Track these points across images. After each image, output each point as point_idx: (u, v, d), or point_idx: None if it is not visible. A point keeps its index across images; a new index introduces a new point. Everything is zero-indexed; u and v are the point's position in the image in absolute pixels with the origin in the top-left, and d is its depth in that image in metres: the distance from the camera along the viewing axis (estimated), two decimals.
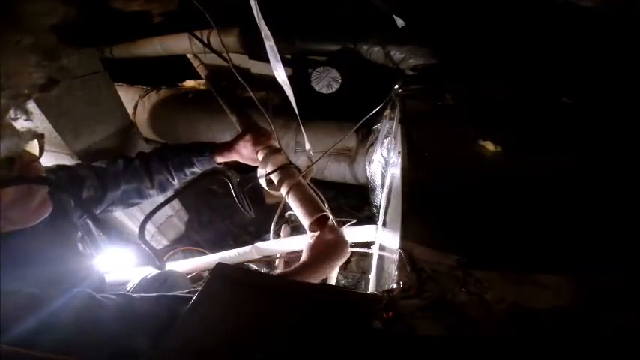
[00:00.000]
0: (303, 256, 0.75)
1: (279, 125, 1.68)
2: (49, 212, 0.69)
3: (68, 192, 0.82)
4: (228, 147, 1.01)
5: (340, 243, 0.77)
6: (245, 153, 1.00)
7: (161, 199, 1.10)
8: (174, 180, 1.03)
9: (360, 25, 1.58)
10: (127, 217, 1.57)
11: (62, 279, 0.70)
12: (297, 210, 0.82)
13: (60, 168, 0.89)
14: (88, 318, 0.51)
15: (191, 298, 0.49)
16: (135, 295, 0.60)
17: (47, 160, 1.37)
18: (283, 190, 0.87)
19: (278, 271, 1.11)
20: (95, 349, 0.48)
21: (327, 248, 0.75)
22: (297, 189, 0.84)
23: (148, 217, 0.73)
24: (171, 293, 0.61)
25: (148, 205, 1.18)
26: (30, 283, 0.54)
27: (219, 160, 1.02)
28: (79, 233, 0.84)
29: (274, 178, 0.91)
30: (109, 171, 0.97)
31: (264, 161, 0.93)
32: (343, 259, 0.76)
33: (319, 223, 0.81)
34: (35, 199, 0.65)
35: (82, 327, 0.49)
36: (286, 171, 0.90)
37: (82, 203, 0.83)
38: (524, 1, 1.15)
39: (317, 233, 0.79)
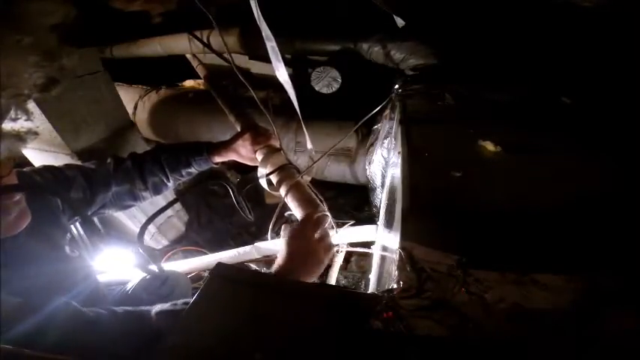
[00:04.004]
0: (278, 258, 0.67)
1: (278, 125, 1.68)
2: (29, 221, 0.67)
3: (55, 194, 0.80)
4: (225, 146, 0.99)
5: (319, 247, 0.68)
6: (243, 152, 0.99)
7: (160, 199, 1.10)
8: (169, 181, 1.00)
9: (360, 25, 1.58)
10: (128, 218, 1.57)
11: (49, 283, 0.68)
12: (295, 210, 0.82)
13: (46, 169, 0.86)
14: (71, 332, 0.50)
15: (181, 311, 0.48)
16: (119, 309, 0.58)
17: (47, 160, 1.38)
18: (282, 190, 0.87)
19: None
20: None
21: (304, 250, 0.67)
22: (296, 189, 0.84)
23: (148, 221, 0.72)
24: (157, 307, 0.59)
25: (148, 205, 1.18)
26: (12, 290, 0.53)
27: (217, 159, 1.00)
28: (69, 235, 0.82)
29: (273, 178, 0.91)
30: (98, 172, 0.93)
31: (264, 161, 0.93)
32: (322, 265, 0.68)
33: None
34: (12, 213, 0.63)
35: (63, 339, 0.48)
36: (285, 171, 0.90)
37: (70, 204, 0.81)
38: (524, 1, 1.15)
39: (295, 226, 0.71)
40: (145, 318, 0.57)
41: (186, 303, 0.55)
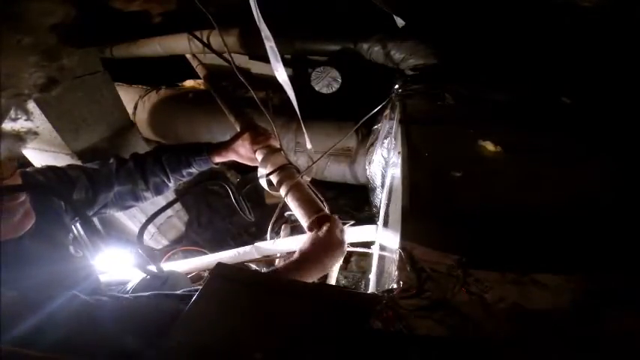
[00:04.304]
0: (295, 254, 0.71)
1: (278, 125, 1.68)
2: (33, 222, 0.67)
3: (57, 194, 0.80)
4: (225, 146, 1.00)
5: (334, 243, 0.72)
6: (243, 152, 0.99)
7: (161, 199, 1.10)
8: (170, 181, 1.01)
9: (360, 25, 1.58)
10: (128, 218, 1.57)
11: (52, 282, 0.69)
12: (295, 210, 0.82)
13: (49, 169, 0.86)
14: (78, 321, 0.51)
15: (191, 296, 0.49)
16: (127, 296, 0.59)
17: (47, 161, 1.38)
18: (282, 191, 0.87)
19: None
20: (87, 352, 0.47)
21: (319, 247, 0.71)
22: (296, 189, 0.84)
23: (148, 221, 0.72)
24: (169, 292, 0.60)
25: (148, 205, 1.18)
26: (16, 288, 0.53)
27: (217, 160, 1.00)
28: (71, 235, 0.82)
29: (273, 178, 0.91)
30: (101, 172, 0.94)
31: (264, 161, 0.93)
32: (336, 260, 0.72)
33: (318, 223, 0.80)
34: (16, 215, 0.63)
35: (71, 331, 0.48)
36: (285, 171, 0.90)
37: (72, 205, 0.82)
38: (524, 1, 1.15)
39: (314, 231, 0.76)
40: (155, 302, 0.57)
41: (193, 291, 0.56)
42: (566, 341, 0.43)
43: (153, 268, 0.71)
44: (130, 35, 1.92)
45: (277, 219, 0.91)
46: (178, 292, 0.61)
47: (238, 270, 0.55)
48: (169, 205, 0.78)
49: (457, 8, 1.29)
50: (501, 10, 1.20)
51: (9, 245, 0.63)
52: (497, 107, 1.03)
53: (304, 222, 0.79)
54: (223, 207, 1.98)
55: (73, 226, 0.86)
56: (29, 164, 1.41)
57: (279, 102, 1.74)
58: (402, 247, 0.55)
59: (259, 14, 0.75)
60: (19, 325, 0.45)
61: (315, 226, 0.79)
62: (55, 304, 0.50)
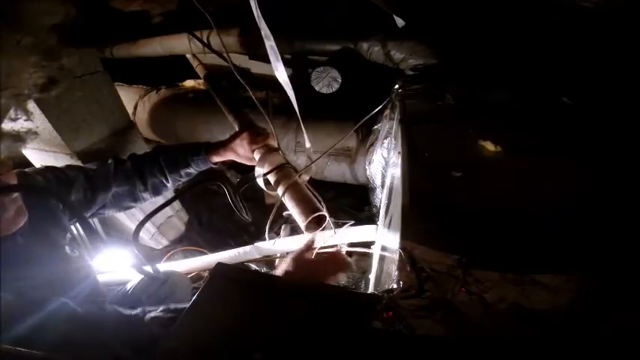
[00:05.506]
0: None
1: (278, 125, 1.68)
2: (25, 220, 0.68)
3: (54, 195, 0.80)
4: (223, 146, 0.99)
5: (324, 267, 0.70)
6: (241, 152, 0.98)
7: (161, 200, 1.10)
8: (168, 182, 1.01)
9: (360, 25, 1.58)
10: (127, 217, 1.57)
11: (47, 281, 0.69)
12: (292, 210, 0.82)
13: (48, 169, 0.86)
14: (66, 330, 0.51)
15: (172, 319, 0.48)
16: (115, 310, 0.59)
17: (47, 161, 1.38)
18: (280, 190, 0.86)
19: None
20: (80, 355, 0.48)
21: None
22: (293, 189, 0.84)
23: (145, 220, 0.72)
24: (152, 313, 0.59)
25: (148, 204, 1.18)
26: (10, 287, 0.53)
27: (215, 159, 1.00)
28: (69, 236, 0.82)
29: (271, 178, 0.91)
30: (99, 172, 0.94)
31: (262, 161, 0.92)
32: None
33: (315, 223, 0.80)
34: (8, 211, 0.64)
35: (59, 338, 0.49)
36: (283, 171, 0.90)
37: (69, 206, 0.82)
38: (525, 1, 1.15)
39: (295, 255, 0.72)
40: (138, 323, 0.57)
41: (177, 310, 0.55)
42: (566, 341, 0.43)
43: (149, 268, 0.71)
44: (130, 35, 1.92)
45: (276, 219, 0.90)
46: (160, 311, 0.59)
47: (238, 270, 0.55)
48: (166, 204, 0.78)
49: (457, 8, 1.29)
50: (501, 10, 1.20)
51: (2, 244, 0.63)
52: (497, 107, 1.03)
53: (301, 222, 0.79)
54: (223, 207, 1.98)
55: (71, 226, 0.86)
56: (29, 164, 1.41)
57: (279, 101, 1.74)
58: (402, 247, 0.55)
59: (259, 14, 0.75)
60: (13, 326, 0.45)
61: (312, 226, 0.78)
62: (47, 311, 0.50)
